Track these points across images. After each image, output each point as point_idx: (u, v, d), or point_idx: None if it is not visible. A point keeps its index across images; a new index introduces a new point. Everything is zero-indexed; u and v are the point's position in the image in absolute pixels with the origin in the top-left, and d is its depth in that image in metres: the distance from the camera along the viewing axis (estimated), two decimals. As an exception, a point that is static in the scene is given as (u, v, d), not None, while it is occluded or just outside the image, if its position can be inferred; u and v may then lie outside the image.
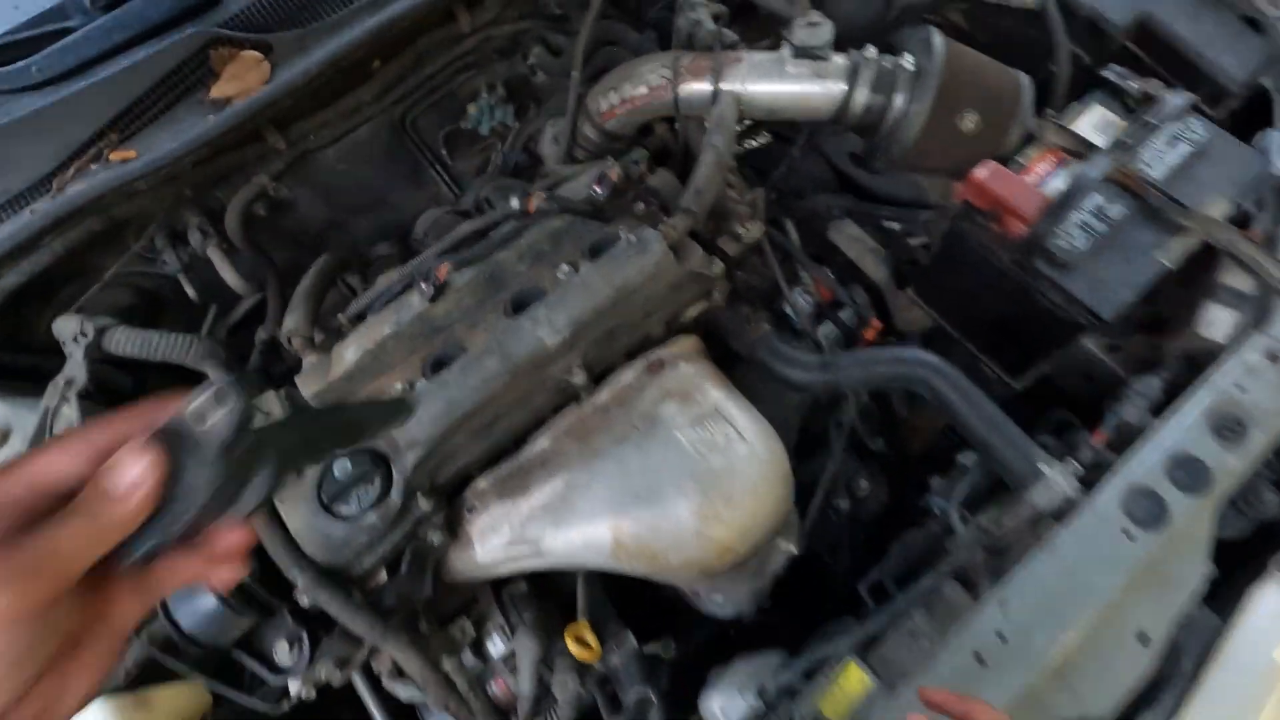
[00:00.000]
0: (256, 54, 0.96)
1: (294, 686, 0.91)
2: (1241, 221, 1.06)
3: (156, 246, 1.14)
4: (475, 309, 1.05)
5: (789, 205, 1.48)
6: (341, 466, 0.92)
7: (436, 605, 1.01)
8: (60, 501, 0.38)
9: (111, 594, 0.40)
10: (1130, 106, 1.11)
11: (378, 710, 1.03)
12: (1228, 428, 0.92)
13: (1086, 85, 1.15)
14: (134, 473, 0.39)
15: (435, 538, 0.95)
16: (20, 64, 0.90)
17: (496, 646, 1.05)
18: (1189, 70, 1.20)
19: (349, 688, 1.02)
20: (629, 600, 1.13)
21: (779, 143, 1.48)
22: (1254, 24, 1.21)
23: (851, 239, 1.31)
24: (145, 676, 0.90)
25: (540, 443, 1.01)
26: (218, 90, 0.95)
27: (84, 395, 0.95)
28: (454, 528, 0.98)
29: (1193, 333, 1.09)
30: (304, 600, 0.87)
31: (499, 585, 1.08)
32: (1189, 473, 0.91)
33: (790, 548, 1.10)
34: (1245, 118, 1.20)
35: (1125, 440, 1.01)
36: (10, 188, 0.93)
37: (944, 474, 1.22)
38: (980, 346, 1.27)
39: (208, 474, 0.40)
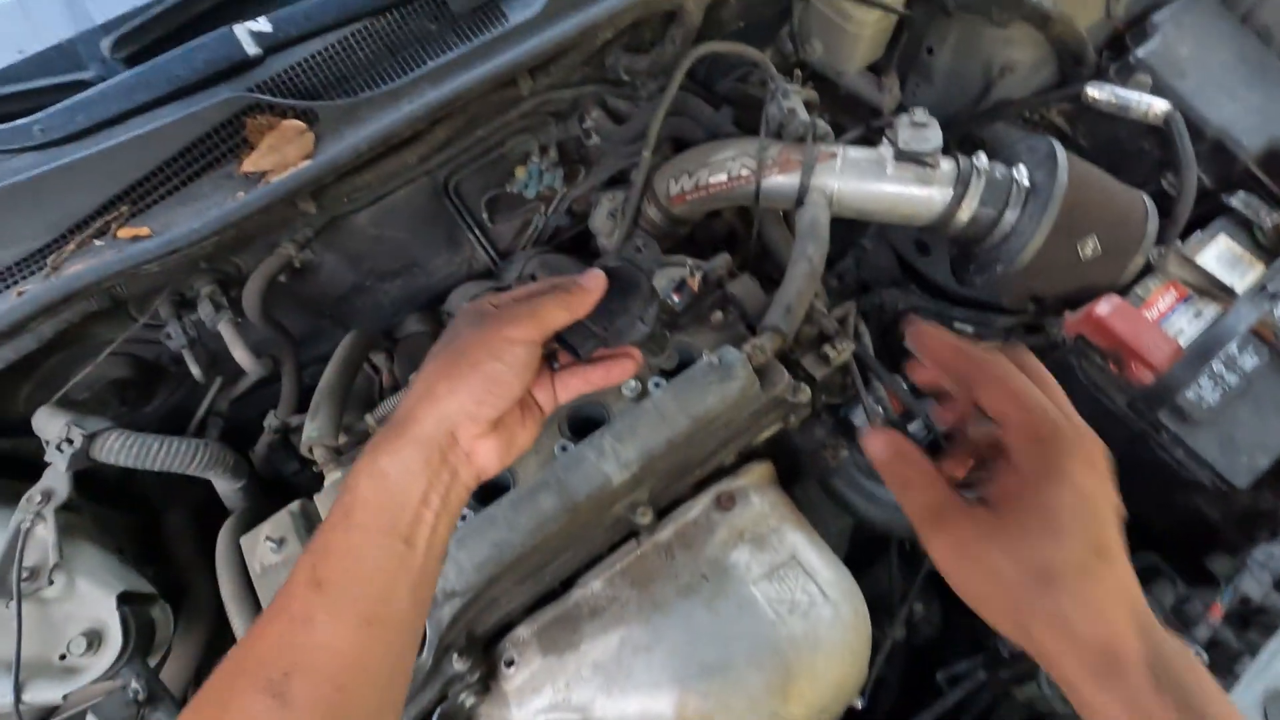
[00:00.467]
0: (299, 124, 0.83)
1: None
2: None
3: (161, 316, 1.00)
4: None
5: (856, 299, 1.37)
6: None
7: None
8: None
9: (549, 382, 0.59)
10: (1259, 241, 1.01)
11: None
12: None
13: (1207, 212, 1.05)
14: (597, 279, 0.58)
15: (468, 699, 0.81)
16: (22, 121, 0.76)
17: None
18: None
19: None
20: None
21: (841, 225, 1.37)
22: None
23: (930, 349, 1.19)
24: None
25: (593, 585, 0.88)
26: (252, 163, 0.82)
27: (65, 507, 0.81)
28: (488, 681, 0.85)
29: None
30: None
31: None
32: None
33: (857, 703, 0.97)
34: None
35: (1248, 619, 0.90)
36: (-2, 261, 0.79)
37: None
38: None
39: (643, 313, 0.60)
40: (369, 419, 0.95)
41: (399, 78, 0.88)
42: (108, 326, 0.98)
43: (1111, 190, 0.97)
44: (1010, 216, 0.98)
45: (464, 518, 0.86)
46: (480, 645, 0.85)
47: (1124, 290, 0.99)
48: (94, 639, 0.75)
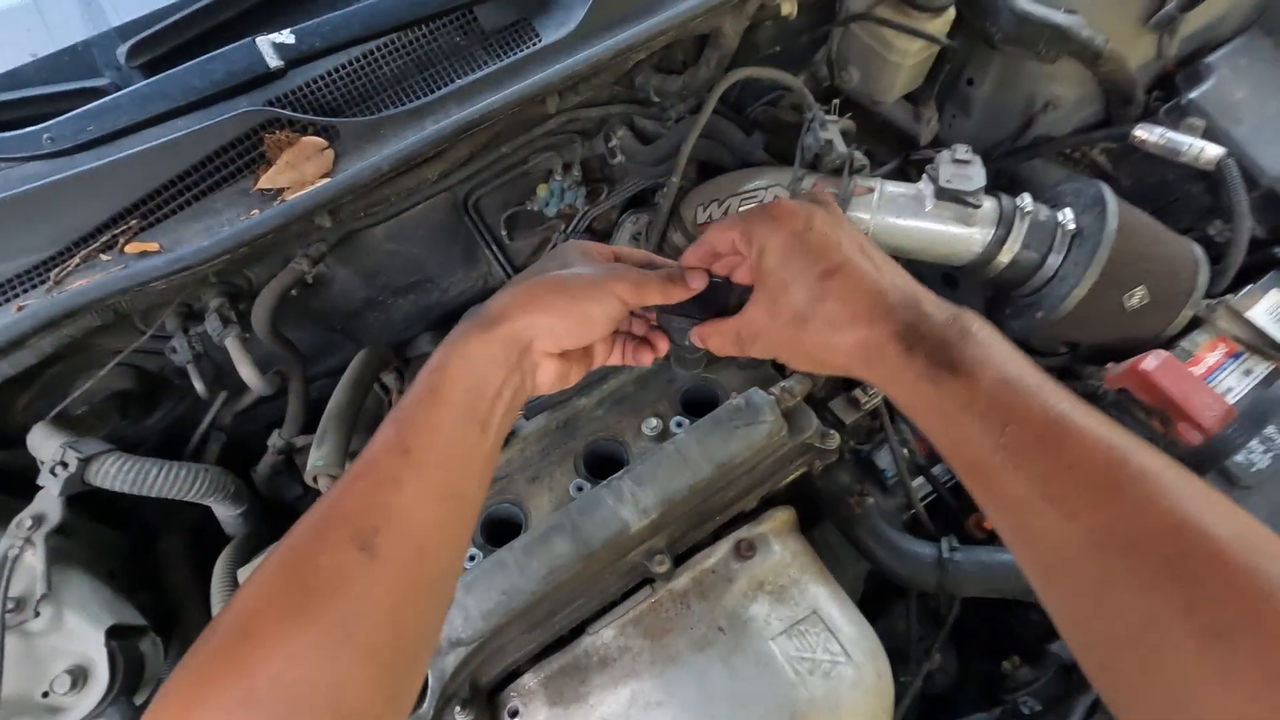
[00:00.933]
0: (319, 140, 0.80)
1: None
2: None
3: (167, 328, 0.96)
4: (539, 458, 0.89)
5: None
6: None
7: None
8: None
9: (608, 340, 0.62)
10: (1314, 296, 0.96)
11: None
12: None
13: (1258, 263, 1.01)
14: (699, 280, 0.60)
15: (469, 753, 0.77)
16: (30, 129, 0.73)
17: None
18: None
19: None
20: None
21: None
22: None
23: (960, 391, 1.15)
24: None
25: (604, 633, 0.84)
26: (269, 180, 0.78)
27: (57, 530, 0.77)
28: (490, 731, 0.81)
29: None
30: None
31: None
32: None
33: (872, 763, 0.93)
34: None
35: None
36: (-1, 273, 0.76)
37: (1025, 658, 1.06)
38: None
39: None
40: (377, 447, 0.92)
41: (424, 95, 0.85)
42: (111, 337, 0.94)
43: (1161, 239, 0.93)
44: (1053, 261, 0.94)
45: (472, 558, 0.82)
46: (484, 695, 0.81)
47: (1169, 343, 0.95)
48: (79, 676, 0.71)
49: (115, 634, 0.75)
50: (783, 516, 0.91)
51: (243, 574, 0.79)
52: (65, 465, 0.74)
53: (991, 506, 0.45)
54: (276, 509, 1.01)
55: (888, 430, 0.97)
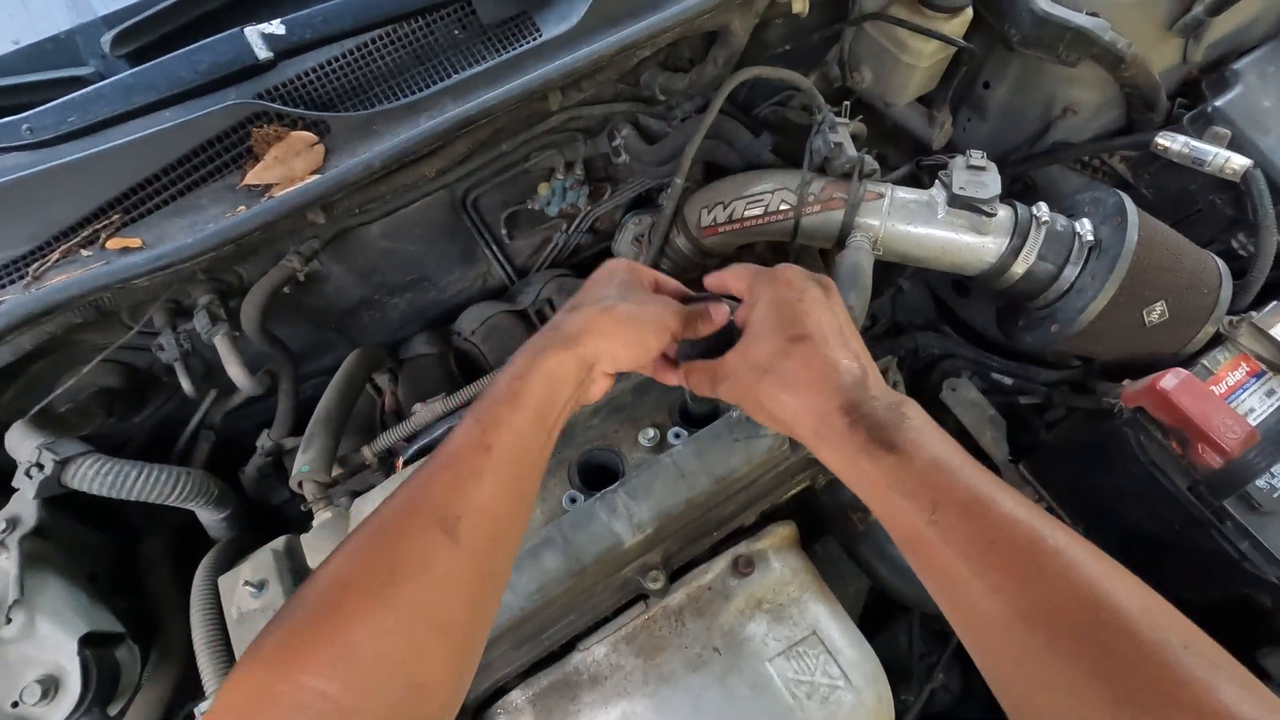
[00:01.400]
0: (309, 135, 0.77)
1: None
2: None
3: (155, 324, 0.94)
4: (532, 468, 0.86)
5: (888, 342, 1.30)
6: (347, 679, 0.71)
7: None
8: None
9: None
10: (1342, 314, 0.93)
11: None
12: None
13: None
14: (722, 315, 0.66)
15: (453, 772, 0.74)
16: (10, 119, 0.70)
17: None
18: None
19: None
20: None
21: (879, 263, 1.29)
22: None
23: (969, 403, 1.12)
24: None
25: (595, 650, 0.81)
26: (256, 175, 0.76)
27: (33, 532, 0.74)
28: (475, 748, 0.78)
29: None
30: None
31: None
32: None
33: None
34: None
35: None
36: (-27, 267, 0.73)
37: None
38: (1110, 552, 1.07)
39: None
40: (366, 451, 0.89)
41: (420, 90, 0.82)
42: (98, 333, 0.92)
43: (1183, 252, 0.90)
44: (1070, 273, 0.91)
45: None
46: (470, 712, 0.78)
47: (1189, 361, 0.91)
48: (50, 686, 0.69)
49: (90, 641, 0.73)
50: (783, 532, 0.88)
51: (224, 582, 0.77)
52: (41, 467, 0.72)
53: (926, 576, 0.50)
54: (263, 512, 0.99)
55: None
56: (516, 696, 0.79)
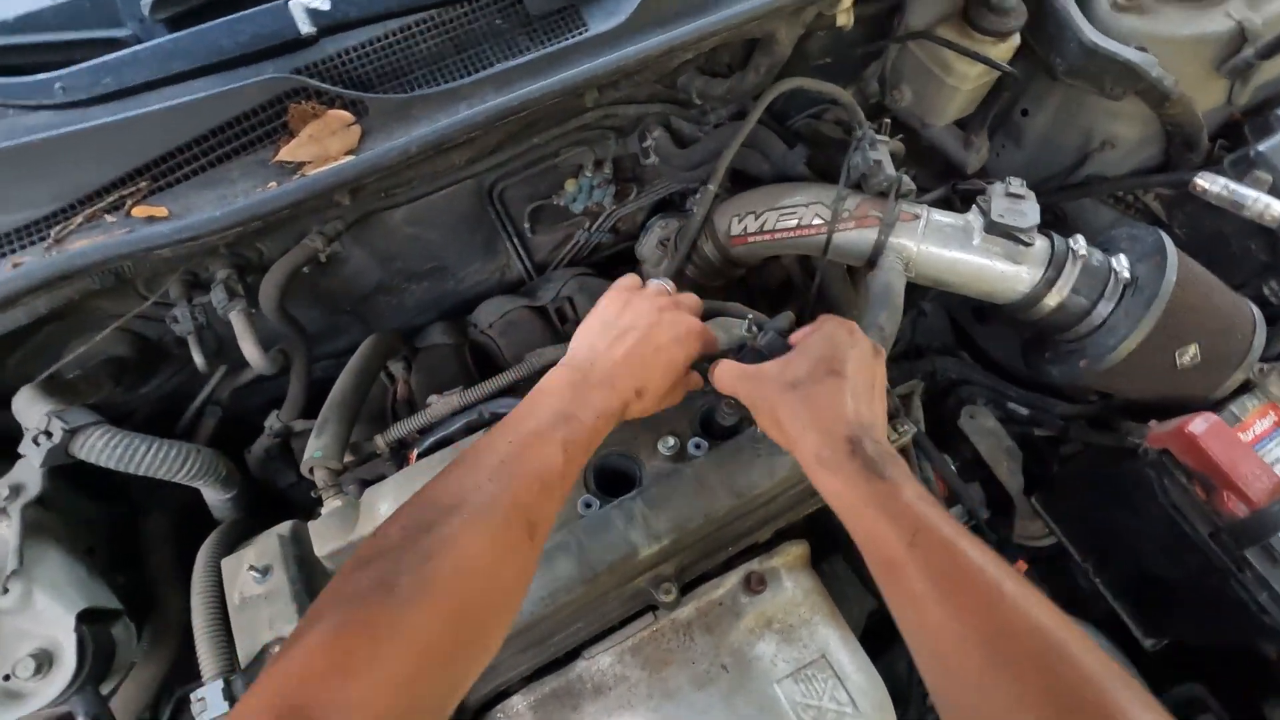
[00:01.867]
0: (346, 115, 0.75)
1: None
2: None
3: (170, 296, 0.92)
4: (548, 469, 0.84)
5: (907, 365, 1.28)
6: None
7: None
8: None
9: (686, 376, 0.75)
10: (1373, 368, 0.92)
11: None
12: None
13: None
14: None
15: (449, 775, 0.73)
16: (43, 76, 0.69)
17: None
18: None
19: None
20: None
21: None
22: None
23: (986, 432, 1.11)
24: None
25: (600, 659, 0.80)
26: (289, 152, 0.74)
27: (35, 503, 0.72)
28: (473, 751, 0.77)
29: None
30: None
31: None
32: None
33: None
34: None
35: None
36: (-6, 225, 0.71)
37: None
38: (1117, 591, 1.07)
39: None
40: (380, 440, 0.87)
41: (461, 77, 0.80)
42: (111, 301, 0.90)
43: (1219, 296, 0.89)
44: (1103, 309, 0.90)
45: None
46: (470, 714, 0.77)
47: (1216, 406, 0.90)
48: (44, 661, 0.67)
49: (87, 617, 0.71)
50: (796, 551, 0.86)
51: (227, 565, 0.75)
52: (49, 435, 0.70)
53: (895, 599, 0.55)
54: (267, 495, 0.97)
55: (912, 468, 0.92)
56: (518, 701, 0.78)
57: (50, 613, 0.68)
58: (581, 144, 1.11)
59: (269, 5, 0.71)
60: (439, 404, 0.87)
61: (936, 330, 1.36)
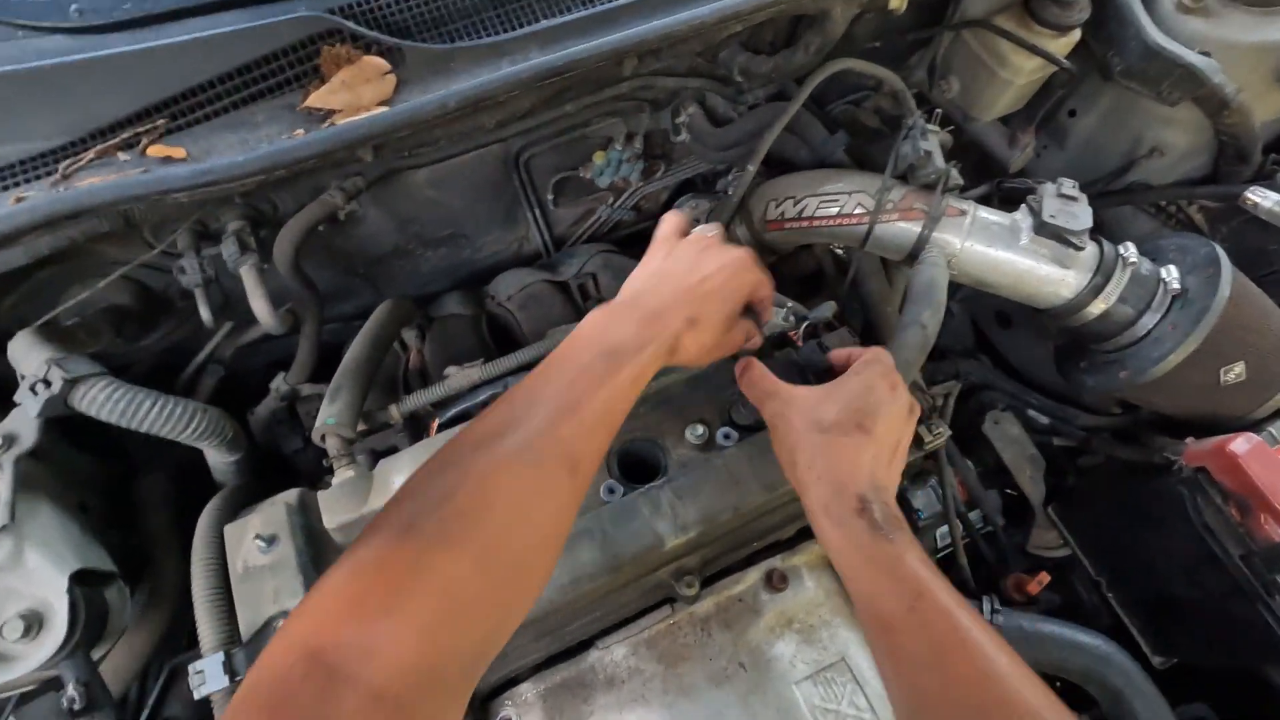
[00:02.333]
0: (382, 63, 0.70)
1: None
2: None
3: (178, 246, 0.87)
4: (570, 450, 0.81)
5: (930, 366, 1.26)
6: (356, 653, 0.66)
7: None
8: None
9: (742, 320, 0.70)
10: None
11: None
12: None
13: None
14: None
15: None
16: (56, -5, 0.64)
17: None
18: None
19: None
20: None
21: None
22: None
23: (1011, 439, 1.08)
24: None
25: (615, 651, 0.77)
26: (319, 98, 0.69)
27: (28, 455, 0.68)
28: (478, 738, 0.74)
29: None
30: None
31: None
32: None
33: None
34: None
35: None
36: (-1, 155, 0.66)
37: None
38: (1129, 607, 1.05)
39: None
40: (394, 410, 0.83)
41: (503, 32, 0.76)
42: (115, 246, 0.85)
43: (1270, 314, 0.86)
44: (1148, 320, 0.87)
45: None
46: (477, 700, 0.74)
47: (1255, 426, 0.88)
48: (34, 623, 0.63)
49: (80, 579, 0.67)
50: (819, 550, 0.84)
51: (230, 531, 0.71)
52: (48, 384, 0.65)
53: (889, 660, 0.57)
54: (271, 460, 0.93)
55: (943, 472, 0.90)
56: (527, 689, 0.75)
57: (42, 572, 0.64)
58: (614, 115, 1.07)
59: (307, -62, 0.66)
60: (458, 376, 0.84)
61: (959, 333, 1.34)
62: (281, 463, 0.94)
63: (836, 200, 0.93)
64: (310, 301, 0.93)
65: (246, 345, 1.05)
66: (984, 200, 1.10)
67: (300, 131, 0.69)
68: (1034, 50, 0.93)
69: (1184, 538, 0.89)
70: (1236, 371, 0.84)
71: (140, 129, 0.68)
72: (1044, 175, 1.10)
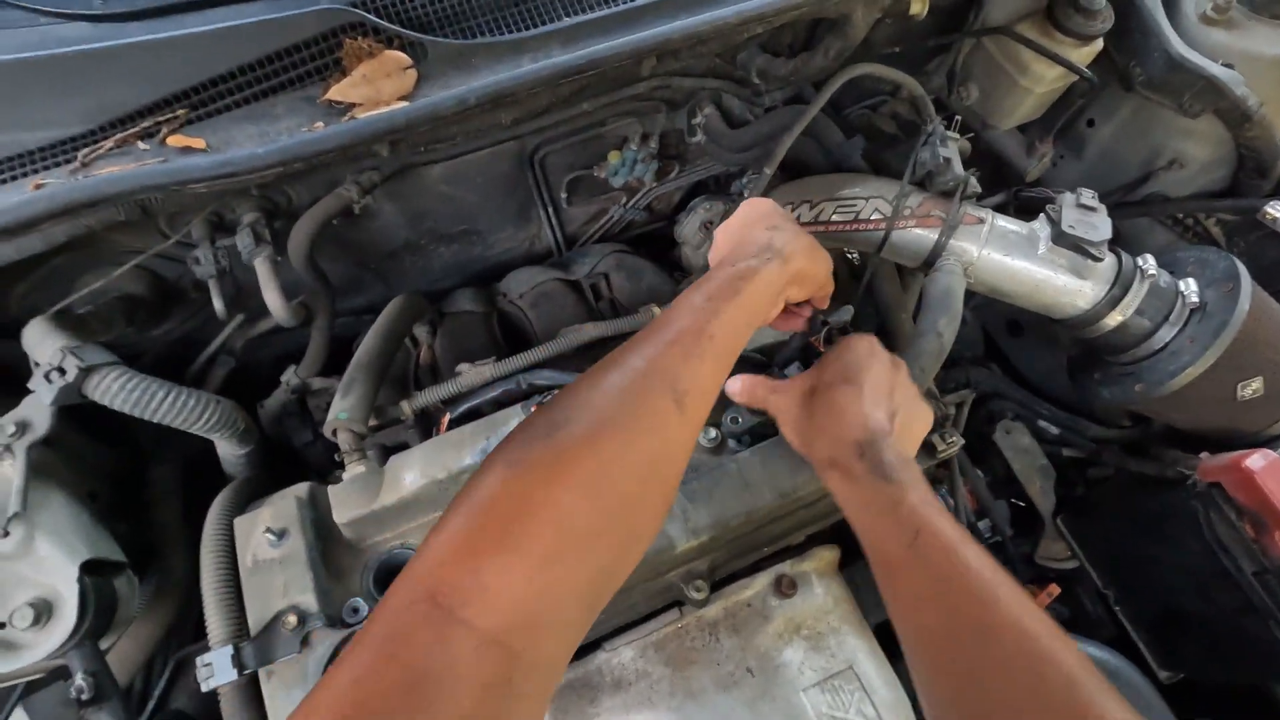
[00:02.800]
0: (403, 57, 0.70)
1: None
2: None
3: (193, 236, 0.87)
4: (582, 450, 0.81)
5: (940, 373, 1.25)
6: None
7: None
8: None
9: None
10: None
11: None
12: None
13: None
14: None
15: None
16: (81, -18, 0.63)
17: None
18: None
19: None
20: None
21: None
22: None
23: (1021, 449, 1.08)
24: None
25: (623, 653, 0.76)
26: (340, 91, 0.69)
27: (41, 443, 0.68)
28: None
29: None
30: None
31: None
32: None
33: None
34: None
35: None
36: (19, 142, 0.66)
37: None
38: (1136, 620, 1.05)
39: None
40: (405, 406, 0.83)
41: (525, 29, 0.75)
42: (130, 235, 0.85)
43: (1288, 329, 0.85)
44: (1165, 334, 0.86)
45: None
46: (484, 699, 0.73)
47: (1271, 442, 0.87)
48: (43, 611, 0.63)
49: (90, 568, 0.67)
50: (828, 556, 0.83)
51: (240, 524, 0.71)
52: (63, 372, 0.65)
53: (894, 599, 0.57)
54: (280, 453, 0.93)
55: (954, 480, 0.89)
56: (533, 689, 0.74)
57: (52, 560, 0.64)
58: (631, 115, 1.07)
59: (331, -70, 0.66)
60: (470, 373, 0.83)
61: (969, 341, 1.33)
62: (291, 455, 0.94)
63: (853, 205, 0.93)
64: (323, 295, 0.93)
65: (257, 337, 1.05)
66: (1000, 209, 1.09)
67: (320, 124, 0.69)
68: (1056, 59, 0.92)
69: (1196, 553, 0.88)
70: (1254, 387, 0.84)
71: (160, 118, 0.68)
72: (1061, 185, 1.09)
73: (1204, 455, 0.87)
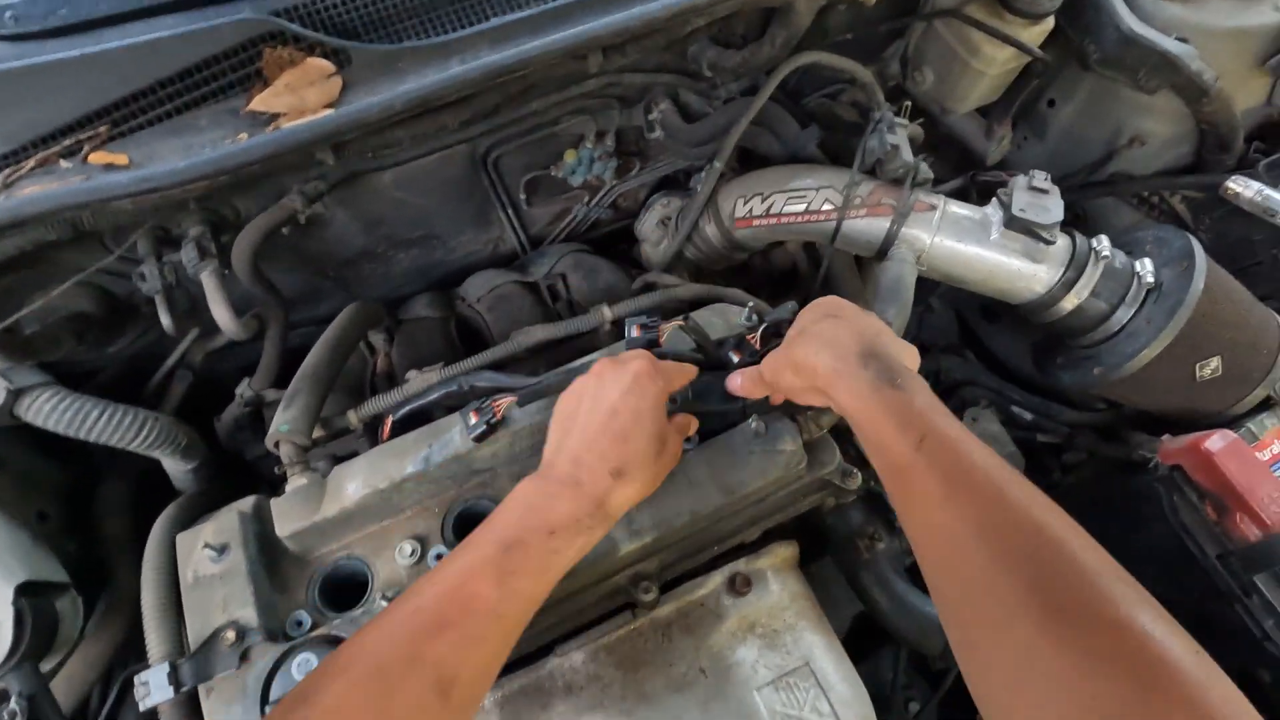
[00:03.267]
0: (326, 64, 0.69)
1: None
2: None
3: (138, 251, 0.86)
4: (529, 454, 0.80)
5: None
6: (304, 662, 0.65)
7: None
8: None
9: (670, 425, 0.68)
10: (1400, 392, 0.87)
11: None
12: None
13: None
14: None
15: (407, 771, 0.69)
16: (-9, 3, 0.63)
17: None
18: None
19: None
20: None
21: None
22: None
23: (990, 436, 1.06)
24: None
25: (573, 657, 0.76)
26: (263, 102, 0.68)
27: (-22, 465, 0.68)
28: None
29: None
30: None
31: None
32: None
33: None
34: None
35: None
36: (-61, 166, 0.66)
37: None
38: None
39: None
40: (352, 416, 0.83)
41: (454, 30, 0.74)
42: (76, 253, 0.85)
43: (1246, 307, 0.84)
44: (1123, 315, 0.85)
45: (439, 556, 0.73)
46: (433, 708, 0.73)
47: (1233, 423, 0.86)
48: (-21, 635, 0.63)
49: (28, 590, 0.66)
50: (784, 553, 0.82)
51: (182, 540, 0.71)
52: (-7, 395, 0.65)
53: (903, 502, 0.56)
54: (235, 465, 0.92)
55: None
56: (484, 696, 0.74)
57: (-13, 583, 0.64)
58: (583, 113, 1.05)
59: (245, -62, 0.65)
60: (417, 380, 0.83)
61: (942, 327, 1.32)
62: (245, 468, 0.93)
63: (804, 196, 0.92)
64: (274, 306, 0.92)
65: (216, 351, 1.05)
66: (960, 193, 1.08)
67: (244, 136, 0.68)
68: (1006, 40, 0.91)
69: (1161, 537, 0.87)
70: (1213, 366, 0.82)
71: (82, 136, 0.67)
72: (1025, 167, 1.07)
73: (1165, 438, 0.86)
